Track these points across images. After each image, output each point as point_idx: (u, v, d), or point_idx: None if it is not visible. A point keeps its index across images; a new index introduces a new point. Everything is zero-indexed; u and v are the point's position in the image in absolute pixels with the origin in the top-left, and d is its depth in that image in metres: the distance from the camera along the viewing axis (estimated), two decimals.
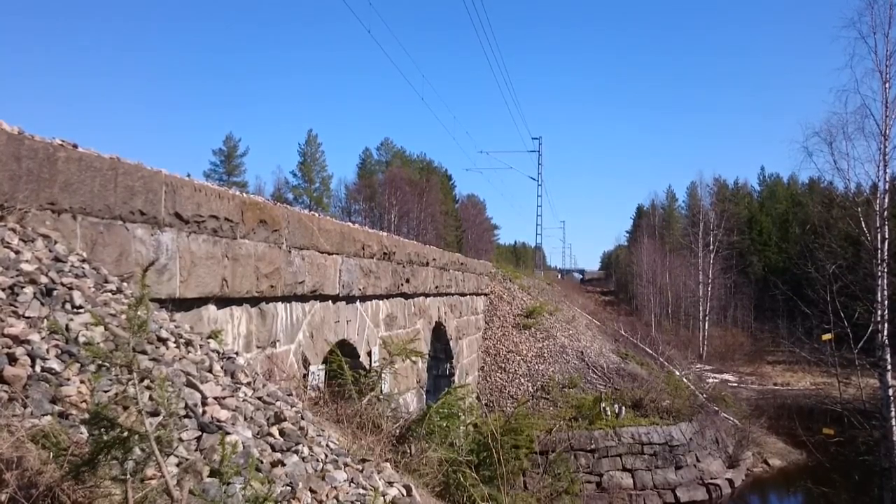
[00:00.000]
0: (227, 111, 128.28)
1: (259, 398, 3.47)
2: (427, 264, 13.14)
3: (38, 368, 2.54)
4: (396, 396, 7.95)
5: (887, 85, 17.92)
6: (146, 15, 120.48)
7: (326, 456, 3.39)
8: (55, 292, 3.03)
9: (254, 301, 6.20)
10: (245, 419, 3.10)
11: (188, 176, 5.43)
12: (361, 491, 3.29)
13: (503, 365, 22.11)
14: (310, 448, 3.31)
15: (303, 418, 3.60)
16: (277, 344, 6.74)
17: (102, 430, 2.13)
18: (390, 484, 3.68)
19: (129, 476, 2.11)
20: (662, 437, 19.23)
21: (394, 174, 62.19)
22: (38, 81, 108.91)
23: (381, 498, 3.39)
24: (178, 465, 2.44)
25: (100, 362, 2.38)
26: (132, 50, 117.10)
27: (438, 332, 15.62)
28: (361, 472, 3.55)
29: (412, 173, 66.57)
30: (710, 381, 30.61)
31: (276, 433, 3.21)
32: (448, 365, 17.30)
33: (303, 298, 7.28)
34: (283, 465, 2.99)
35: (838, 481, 17.18)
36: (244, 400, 3.28)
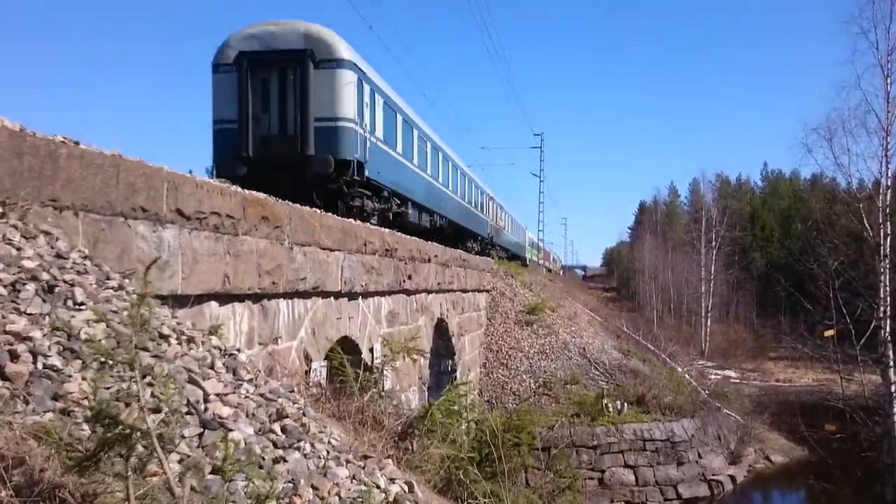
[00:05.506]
0: None
1: (261, 395, 3.47)
2: (429, 261, 13.13)
3: (39, 365, 2.54)
4: (398, 393, 7.95)
5: (889, 80, 17.88)
6: (143, 16, 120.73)
7: (328, 452, 3.39)
8: (57, 289, 3.03)
9: (256, 298, 6.20)
10: (247, 416, 3.10)
11: (190, 173, 5.43)
12: (363, 487, 3.29)
13: (505, 361, 22.12)
14: (312, 445, 3.31)
15: (304, 415, 3.60)
16: (279, 341, 6.74)
17: (105, 427, 2.13)
18: (392, 480, 3.68)
19: (131, 473, 2.11)
20: (664, 433, 19.24)
21: None
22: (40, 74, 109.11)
23: (383, 494, 3.39)
24: (180, 462, 2.44)
25: (102, 359, 2.38)
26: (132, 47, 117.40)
27: (440, 329, 15.61)
28: (363, 468, 3.55)
29: None
30: (713, 377, 30.66)
31: (277, 430, 3.21)
32: (450, 361, 17.30)
33: (304, 295, 7.28)
34: (285, 461, 2.99)
35: (840, 478, 17.20)
36: (246, 396, 3.28)
